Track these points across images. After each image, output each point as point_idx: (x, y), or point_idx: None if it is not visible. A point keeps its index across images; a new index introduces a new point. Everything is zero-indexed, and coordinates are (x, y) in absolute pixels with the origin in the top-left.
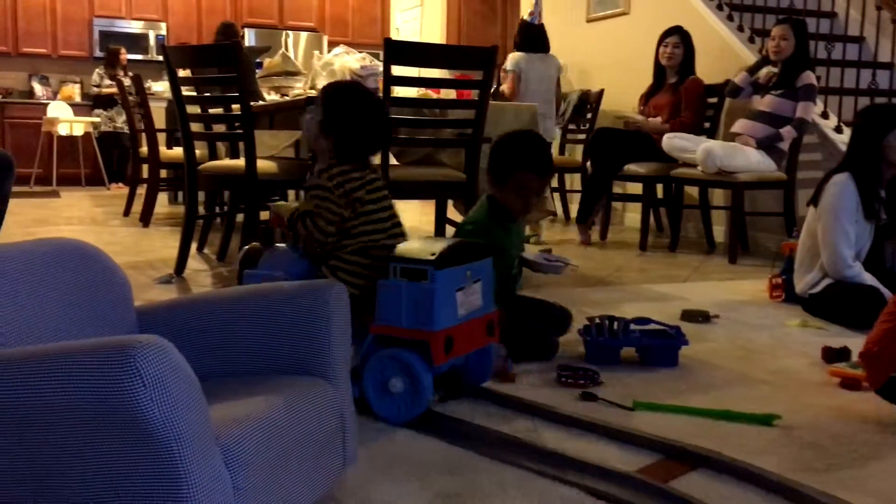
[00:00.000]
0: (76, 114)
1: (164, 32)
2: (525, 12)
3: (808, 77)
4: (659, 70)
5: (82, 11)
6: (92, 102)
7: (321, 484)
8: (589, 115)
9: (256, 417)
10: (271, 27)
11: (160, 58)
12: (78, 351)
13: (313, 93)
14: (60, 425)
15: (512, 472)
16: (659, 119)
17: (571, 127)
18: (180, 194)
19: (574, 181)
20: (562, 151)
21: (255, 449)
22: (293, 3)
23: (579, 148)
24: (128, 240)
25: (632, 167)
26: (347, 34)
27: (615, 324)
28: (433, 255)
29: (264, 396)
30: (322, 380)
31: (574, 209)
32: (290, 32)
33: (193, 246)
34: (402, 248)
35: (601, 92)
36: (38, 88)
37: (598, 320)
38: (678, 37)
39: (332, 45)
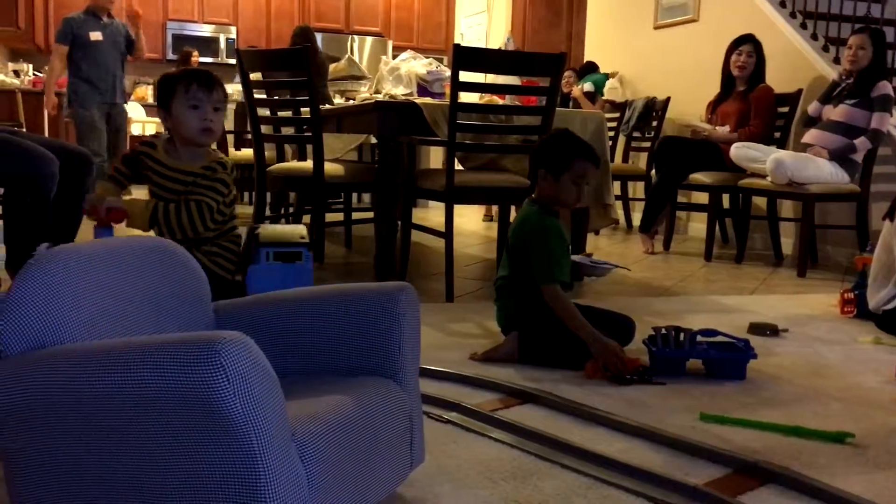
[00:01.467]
0: (148, 114)
1: (234, 36)
2: (591, 19)
3: (885, 87)
4: (728, 78)
5: (157, 15)
6: None
7: (389, 483)
8: (654, 123)
9: (330, 415)
10: (337, 31)
11: (230, 60)
12: (165, 345)
13: (379, 97)
14: (145, 416)
15: (578, 480)
16: (727, 128)
17: (636, 135)
18: (246, 194)
19: (637, 189)
20: (625, 159)
21: (328, 446)
22: (359, 9)
23: (643, 156)
24: None
25: (698, 176)
26: (412, 39)
27: (681, 335)
28: (302, 237)
29: (337, 395)
30: (391, 381)
31: (636, 218)
32: (355, 37)
33: None
34: (267, 233)
35: (667, 100)
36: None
37: (663, 330)
38: (751, 45)
39: (396, 49)
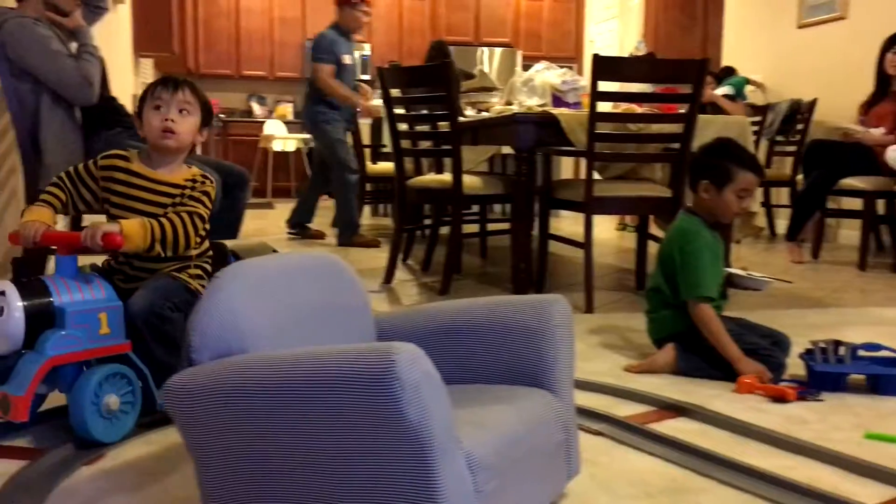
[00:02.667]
0: (289, 131)
1: (368, 53)
2: (728, 21)
3: None
4: (882, 78)
5: (296, 36)
6: (302, 121)
7: (548, 494)
8: (800, 126)
9: (493, 424)
10: (467, 44)
11: (364, 77)
12: (345, 355)
13: (514, 108)
14: (326, 422)
15: (738, 497)
16: (881, 130)
17: (779, 139)
18: (381, 207)
19: (781, 196)
20: (768, 164)
21: (492, 454)
22: (489, 20)
23: (788, 161)
24: (338, 250)
25: (850, 181)
26: (541, 48)
27: (841, 348)
28: (275, 251)
29: (497, 405)
30: (548, 392)
31: (781, 225)
32: (485, 48)
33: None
34: (242, 249)
35: (814, 102)
36: (256, 108)
37: (822, 344)
38: None
39: (526, 59)
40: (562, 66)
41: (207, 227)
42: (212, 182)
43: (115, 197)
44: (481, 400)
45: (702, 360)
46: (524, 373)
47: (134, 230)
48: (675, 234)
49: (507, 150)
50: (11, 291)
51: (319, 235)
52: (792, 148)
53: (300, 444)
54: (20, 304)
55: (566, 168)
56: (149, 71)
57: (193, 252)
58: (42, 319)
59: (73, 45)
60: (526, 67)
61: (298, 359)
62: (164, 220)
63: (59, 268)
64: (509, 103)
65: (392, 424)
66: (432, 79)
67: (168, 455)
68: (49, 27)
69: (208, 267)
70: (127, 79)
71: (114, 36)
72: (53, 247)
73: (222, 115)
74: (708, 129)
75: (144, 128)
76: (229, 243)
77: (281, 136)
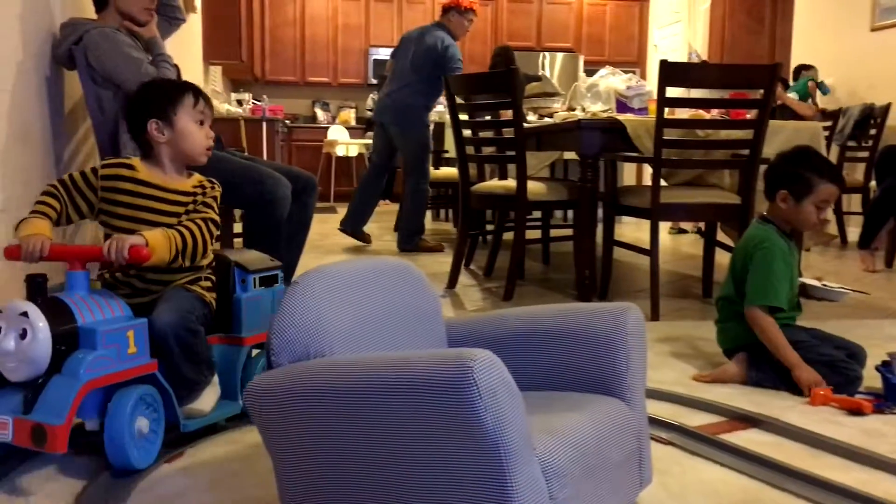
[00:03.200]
0: (351, 136)
1: None
2: (798, 24)
3: None
4: None
5: (360, 42)
6: (365, 126)
7: (620, 502)
8: (873, 132)
9: (566, 431)
10: (529, 49)
11: None
12: (422, 360)
13: (578, 114)
14: (402, 426)
15: None
16: None
17: (851, 144)
18: (442, 212)
19: (853, 203)
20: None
21: (566, 461)
22: (551, 25)
23: (860, 167)
24: (402, 254)
25: None
26: (603, 53)
27: None
28: (272, 259)
29: (570, 413)
30: (619, 400)
31: (852, 233)
32: (546, 53)
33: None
34: (243, 259)
35: (888, 106)
36: (320, 114)
37: None
38: None
39: (588, 64)
40: (626, 72)
41: (218, 233)
42: (218, 187)
43: (119, 208)
44: (553, 407)
45: (774, 372)
46: (595, 380)
47: (159, 242)
48: (747, 242)
49: (568, 155)
50: (34, 312)
51: (368, 240)
52: (864, 154)
53: (376, 448)
54: (45, 325)
55: (628, 174)
56: (218, 78)
57: (204, 262)
58: (67, 341)
59: (148, 57)
60: (588, 72)
61: (376, 363)
62: (182, 229)
63: (71, 284)
64: (572, 109)
65: (468, 430)
66: (498, 85)
67: (245, 454)
68: (128, 36)
69: (213, 277)
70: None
71: (186, 44)
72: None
73: (287, 121)
74: (779, 135)
75: (183, 138)
76: (231, 255)
77: (344, 142)
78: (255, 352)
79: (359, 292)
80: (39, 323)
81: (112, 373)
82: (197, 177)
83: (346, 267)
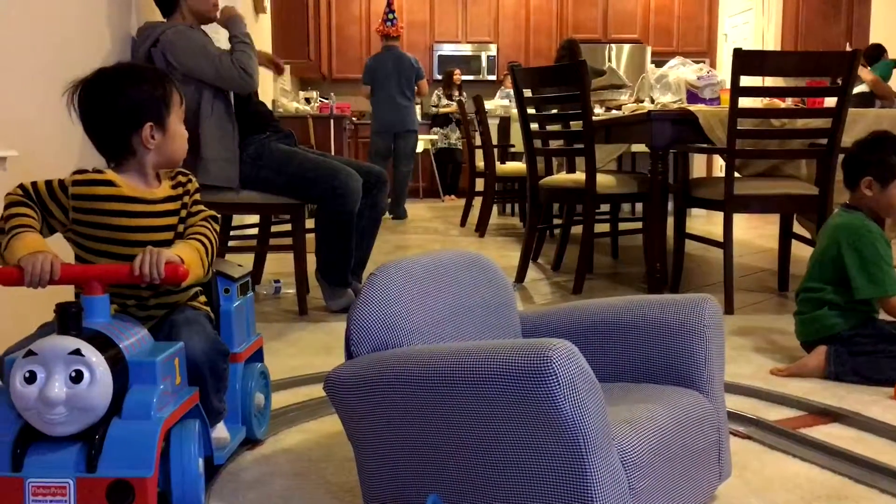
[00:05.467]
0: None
1: (493, 53)
2: (877, 8)
3: None
4: None
5: (425, 39)
6: (430, 121)
7: (700, 495)
8: None
9: (646, 422)
10: (595, 41)
11: (490, 77)
12: (501, 350)
13: (648, 106)
14: (482, 415)
15: None
16: None
17: None
18: (508, 206)
19: None
20: None
21: (646, 452)
22: (617, 16)
23: None
24: (470, 248)
25: None
26: (671, 43)
27: None
28: (240, 265)
29: (649, 404)
30: (698, 392)
31: None
32: (612, 45)
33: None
34: (216, 266)
35: None
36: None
37: None
38: None
39: (655, 55)
40: (696, 62)
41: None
42: (192, 176)
43: (102, 231)
44: (630, 398)
45: (857, 365)
46: (672, 372)
47: (192, 258)
48: (840, 231)
49: (636, 148)
50: (89, 349)
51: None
52: None
53: (455, 435)
54: (104, 363)
55: (699, 166)
56: (286, 77)
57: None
58: (121, 378)
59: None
60: (656, 64)
61: (455, 353)
62: (200, 237)
63: (91, 311)
64: (639, 100)
65: (548, 419)
66: (566, 78)
67: (323, 443)
68: (203, 32)
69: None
70: (268, 85)
71: (257, 44)
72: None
73: (353, 118)
74: (858, 123)
75: (172, 141)
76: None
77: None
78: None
79: (435, 284)
80: (96, 361)
81: (176, 409)
82: (166, 173)
83: (423, 259)
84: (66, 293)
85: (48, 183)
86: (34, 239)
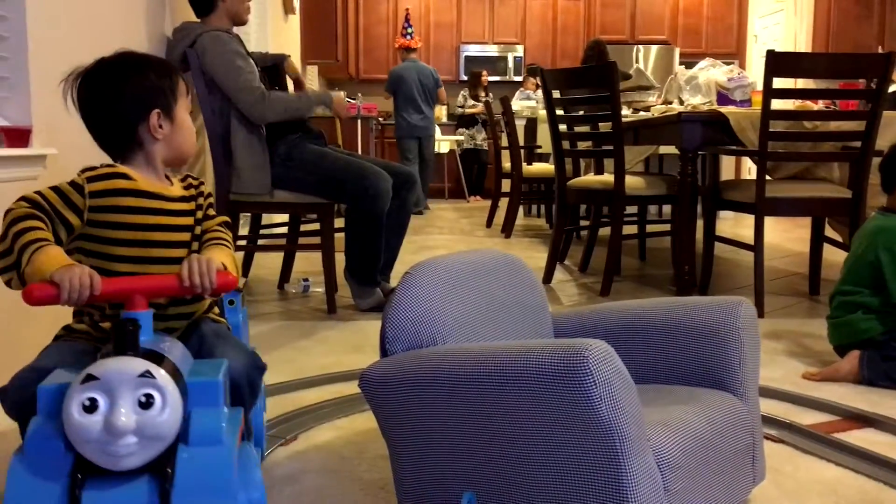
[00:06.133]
0: (443, 133)
1: (520, 54)
2: None
3: None
4: None
5: (451, 40)
6: (456, 122)
7: (733, 497)
8: None
9: (681, 424)
10: (622, 43)
11: (517, 78)
12: (536, 350)
13: (677, 107)
14: (517, 414)
15: None
16: None
17: None
18: (534, 207)
19: None
20: None
21: (681, 453)
22: (645, 17)
23: None
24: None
25: None
26: (700, 45)
27: None
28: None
29: (683, 406)
30: (732, 395)
31: None
32: (640, 47)
33: None
34: None
35: None
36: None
37: None
38: None
39: (683, 56)
40: (726, 63)
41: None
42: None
43: (121, 232)
44: (665, 399)
45: (891, 370)
46: (706, 375)
47: (231, 265)
48: (879, 235)
49: (664, 149)
50: (159, 372)
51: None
52: None
53: (490, 434)
54: (174, 386)
55: (728, 168)
56: (314, 78)
57: None
58: (184, 400)
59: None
60: (686, 65)
61: (490, 352)
62: (227, 244)
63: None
64: (668, 102)
65: (584, 419)
66: (594, 79)
67: (355, 440)
68: (239, 40)
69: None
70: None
71: (286, 46)
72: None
73: (380, 119)
74: (892, 126)
75: (180, 134)
76: None
77: (436, 138)
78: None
79: (468, 284)
80: (167, 383)
81: (237, 432)
82: (175, 173)
83: (456, 259)
84: (57, 309)
85: (56, 189)
86: (60, 252)
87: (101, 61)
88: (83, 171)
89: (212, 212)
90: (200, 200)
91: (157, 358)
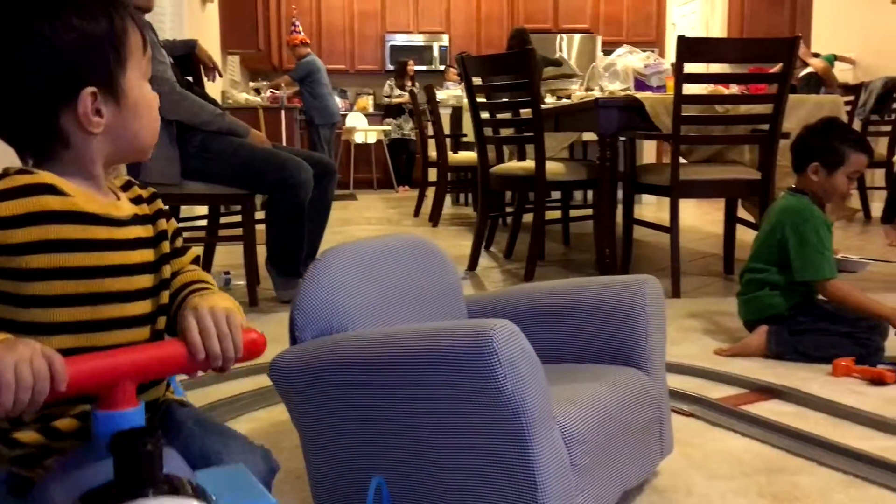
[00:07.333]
0: (369, 123)
1: (446, 44)
2: None
3: None
4: None
5: (376, 29)
6: (383, 112)
7: (641, 470)
8: (895, 105)
9: (587, 400)
10: (546, 31)
11: (442, 67)
12: (442, 331)
13: (596, 94)
14: (424, 396)
15: (835, 477)
16: None
17: (874, 118)
18: (461, 196)
19: (876, 178)
20: None
21: (587, 429)
22: (567, 6)
23: (883, 141)
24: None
25: None
26: (621, 33)
27: None
28: None
29: (589, 382)
30: (639, 370)
31: (876, 208)
32: (563, 35)
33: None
34: None
35: None
36: (338, 101)
37: None
38: None
39: (605, 45)
40: (644, 51)
41: None
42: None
43: (61, 284)
44: (573, 377)
45: (797, 343)
46: (615, 351)
47: (243, 318)
48: (786, 214)
49: (587, 136)
50: None
51: None
52: (887, 128)
53: (400, 418)
54: None
55: (648, 152)
56: (236, 68)
57: None
58: None
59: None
60: (606, 53)
61: (397, 336)
62: (214, 286)
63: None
64: (590, 89)
65: (490, 399)
66: (515, 66)
67: (272, 430)
68: (150, 29)
69: None
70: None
71: (203, 34)
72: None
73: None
74: (799, 109)
75: (135, 113)
76: None
77: (362, 129)
78: None
79: (379, 268)
80: None
81: None
82: (121, 178)
83: (366, 244)
84: None
85: None
86: None
87: None
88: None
89: (180, 241)
90: (162, 223)
91: (191, 490)
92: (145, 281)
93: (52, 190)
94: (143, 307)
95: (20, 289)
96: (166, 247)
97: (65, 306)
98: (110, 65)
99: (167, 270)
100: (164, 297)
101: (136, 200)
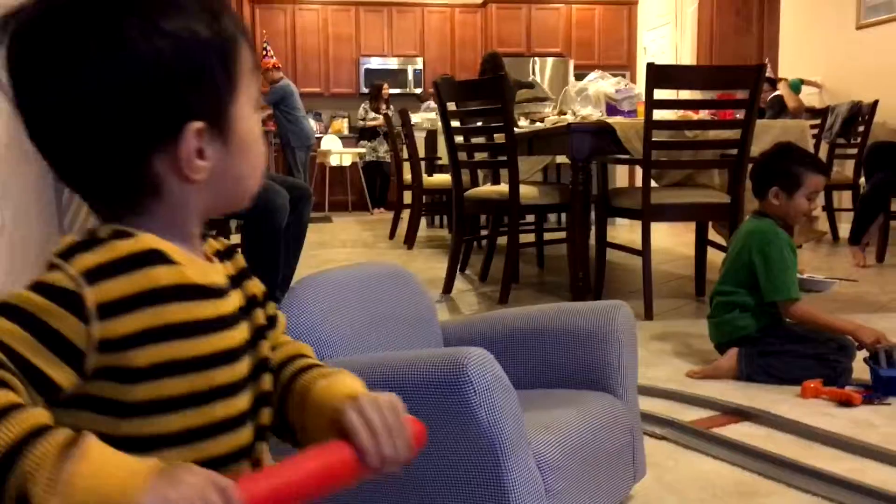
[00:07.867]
0: (344, 146)
1: (420, 67)
2: (785, 24)
3: None
4: None
5: (350, 52)
6: (358, 135)
7: (615, 495)
8: (861, 129)
9: (561, 426)
10: (519, 55)
11: (416, 90)
12: (417, 360)
13: (569, 118)
14: None
15: (805, 499)
16: None
17: (840, 141)
18: (437, 218)
19: (843, 199)
20: (830, 168)
21: (561, 455)
22: (540, 31)
23: (849, 164)
24: (397, 261)
25: None
26: (593, 57)
27: None
28: None
29: (562, 408)
30: (612, 396)
31: (843, 229)
32: (537, 59)
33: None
34: None
35: (875, 103)
36: (313, 124)
37: (886, 348)
38: None
39: (578, 68)
40: (615, 75)
41: None
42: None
43: (176, 381)
44: (546, 403)
45: (767, 365)
46: (587, 377)
47: None
48: (752, 237)
49: (561, 159)
50: None
51: None
52: (853, 151)
53: None
54: None
55: (621, 176)
56: None
57: None
58: None
59: None
60: (578, 77)
61: (372, 364)
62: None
63: None
64: (562, 113)
65: (464, 426)
66: (487, 91)
67: None
68: None
69: None
70: None
71: None
72: None
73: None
74: (766, 134)
75: (246, 158)
76: None
77: (337, 151)
78: None
79: (354, 297)
80: None
81: None
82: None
83: (341, 273)
84: None
85: (15, 311)
86: (115, 452)
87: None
88: (69, 249)
89: (272, 308)
90: (249, 286)
91: None
92: (245, 366)
93: (161, 258)
94: (246, 400)
95: (122, 393)
96: (261, 317)
97: (173, 411)
98: (221, 91)
99: (265, 347)
100: (266, 382)
101: (219, 256)
